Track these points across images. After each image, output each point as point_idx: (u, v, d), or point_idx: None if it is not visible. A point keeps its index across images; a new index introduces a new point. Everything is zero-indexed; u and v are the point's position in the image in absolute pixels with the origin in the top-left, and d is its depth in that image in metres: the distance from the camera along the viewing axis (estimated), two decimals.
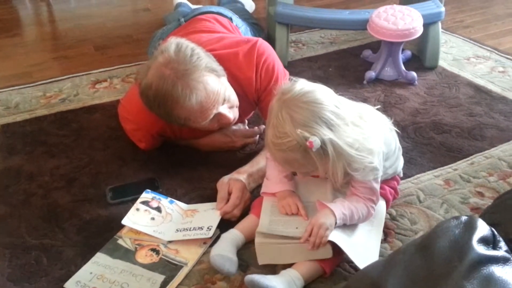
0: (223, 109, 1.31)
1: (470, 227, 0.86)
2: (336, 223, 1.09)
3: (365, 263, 1.02)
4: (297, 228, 1.13)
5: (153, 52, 1.30)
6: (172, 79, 1.22)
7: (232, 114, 1.35)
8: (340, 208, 1.11)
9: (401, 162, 1.31)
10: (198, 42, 1.35)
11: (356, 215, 1.12)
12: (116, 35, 2.50)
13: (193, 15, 1.85)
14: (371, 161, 1.09)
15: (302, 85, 1.07)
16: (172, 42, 1.28)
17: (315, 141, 1.01)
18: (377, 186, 1.15)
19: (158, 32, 1.96)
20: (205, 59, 1.27)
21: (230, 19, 1.84)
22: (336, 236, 1.08)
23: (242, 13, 2.11)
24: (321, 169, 1.07)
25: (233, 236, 1.18)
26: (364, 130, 1.09)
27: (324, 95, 1.06)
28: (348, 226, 1.13)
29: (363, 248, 1.12)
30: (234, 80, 1.39)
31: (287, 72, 1.51)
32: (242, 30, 1.87)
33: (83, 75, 2.09)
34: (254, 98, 1.47)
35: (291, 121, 1.02)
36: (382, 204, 1.23)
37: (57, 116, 1.80)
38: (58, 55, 2.32)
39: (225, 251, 1.13)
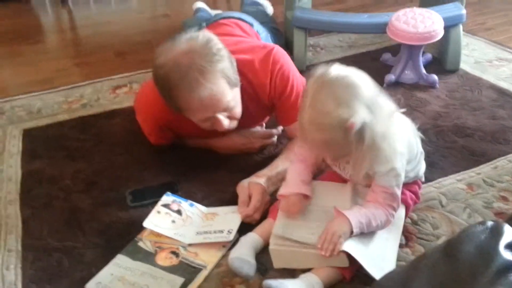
0: (220, 115, 1.30)
1: (496, 232, 0.84)
2: (352, 231, 1.07)
3: (381, 273, 1.00)
4: (312, 234, 1.11)
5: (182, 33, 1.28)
6: (185, 69, 1.21)
7: (227, 122, 1.32)
8: (357, 216, 1.09)
9: (423, 166, 1.29)
10: None
11: (374, 222, 1.10)
12: (136, 41, 2.53)
13: (215, 20, 1.85)
14: (394, 165, 1.08)
15: (340, 68, 1.07)
16: (203, 33, 1.28)
17: (357, 122, 1.00)
18: (398, 192, 1.13)
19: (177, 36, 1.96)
20: (226, 63, 1.26)
21: (251, 25, 1.84)
22: (350, 247, 1.06)
23: (262, 16, 2.11)
24: (354, 154, 1.06)
25: (252, 239, 1.18)
26: (393, 128, 1.08)
27: (364, 79, 1.07)
28: (365, 234, 1.11)
29: (380, 257, 1.10)
30: (249, 85, 1.39)
31: (304, 79, 1.50)
32: (263, 36, 1.87)
33: (103, 80, 2.11)
34: (267, 105, 1.46)
35: (333, 101, 1.01)
36: (401, 210, 1.20)
37: (78, 121, 1.82)
38: (79, 61, 2.36)
39: (243, 254, 1.13)
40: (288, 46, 2.12)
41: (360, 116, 1.01)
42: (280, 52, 1.43)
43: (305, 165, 1.24)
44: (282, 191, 1.21)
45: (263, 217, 1.26)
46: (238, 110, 1.34)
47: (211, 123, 1.32)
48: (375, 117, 1.03)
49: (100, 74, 2.17)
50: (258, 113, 1.50)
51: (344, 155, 1.10)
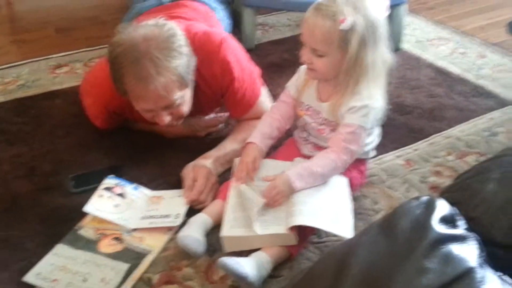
0: (161, 112, 1.27)
1: (430, 207, 0.88)
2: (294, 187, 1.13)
3: (343, 228, 1.09)
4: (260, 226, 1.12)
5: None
6: (139, 55, 1.17)
7: (169, 119, 1.29)
8: (296, 170, 1.15)
9: (375, 142, 1.32)
10: None
11: (318, 168, 1.14)
12: (81, 17, 2.41)
13: None
14: (367, 103, 1.14)
15: None
16: (170, 24, 1.24)
17: (349, 21, 1.06)
18: (361, 134, 1.16)
19: (136, 6, 1.87)
20: (182, 62, 1.22)
21: (214, 10, 1.78)
22: (304, 219, 1.09)
23: None
24: (334, 57, 1.11)
25: (201, 219, 1.19)
26: (382, 80, 1.17)
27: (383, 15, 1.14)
28: (313, 201, 1.13)
29: (335, 216, 1.13)
30: (200, 76, 1.36)
31: (257, 69, 1.47)
32: (224, 23, 1.82)
33: (42, 59, 2.02)
34: (219, 95, 1.44)
35: None
36: (343, 179, 1.23)
37: (15, 103, 1.74)
38: (15, 38, 2.24)
39: (193, 232, 1.14)
40: (237, 25, 2.10)
41: (357, 22, 1.07)
42: (230, 42, 1.40)
43: (273, 119, 1.29)
44: (251, 138, 1.28)
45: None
46: (184, 109, 1.31)
47: (152, 116, 1.29)
48: (372, 41, 1.10)
49: (39, 52, 2.07)
50: (209, 104, 1.48)
51: (326, 53, 1.12)
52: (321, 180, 1.17)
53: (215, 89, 1.41)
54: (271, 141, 1.30)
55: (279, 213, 1.14)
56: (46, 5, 2.56)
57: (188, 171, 1.30)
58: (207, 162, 1.33)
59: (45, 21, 2.38)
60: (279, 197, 1.14)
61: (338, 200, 1.17)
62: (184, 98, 1.28)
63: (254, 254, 1.10)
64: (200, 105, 1.42)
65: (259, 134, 1.28)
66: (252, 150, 1.25)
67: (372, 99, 1.15)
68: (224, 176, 1.35)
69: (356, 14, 1.07)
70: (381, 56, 1.15)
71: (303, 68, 1.26)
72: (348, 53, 1.09)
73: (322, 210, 1.13)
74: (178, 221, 1.20)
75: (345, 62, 1.11)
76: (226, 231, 1.12)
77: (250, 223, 1.12)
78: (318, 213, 1.12)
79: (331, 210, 1.14)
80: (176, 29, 1.25)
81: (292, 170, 1.16)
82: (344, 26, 1.07)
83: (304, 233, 1.14)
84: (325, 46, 1.10)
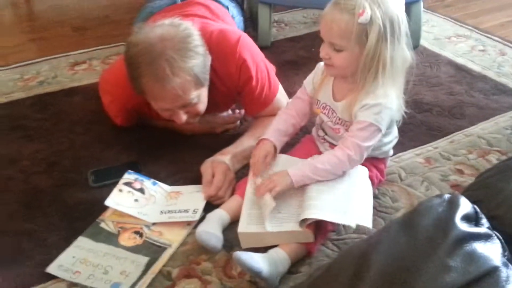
0: (178, 110, 1.28)
1: (453, 204, 0.87)
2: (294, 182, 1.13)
3: (359, 219, 1.08)
4: (276, 221, 1.12)
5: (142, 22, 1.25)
6: (156, 55, 1.18)
7: (185, 117, 1.30)
8: (298, 167, 1.15)
9: (393, 142, 1.31)
10: None
11: (322, 165, 1.13)
12: (94, 16, 2.44)
13: None
14: (381, 101, 1.12)
15: None
16: (186, 25, 1.25)
17: (367, 14, 1.05)
18: (374, 133, 1.14)
19: (149, 5, 1.88)
20: (198, 61, 1.22)
21: (227, 8, 1.79)
22: (314, 212, 1.08)
23: None
24: (353, 52, 1.09)
25: (218, 215, 1.19)
26: (400, 79, 1.16)
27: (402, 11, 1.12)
28: (326, 194, 1.13)
29: (348, 208, 1.11)
30: (215, 74, 1.36)
31: (273, 67, 1.48)
32: (237, 20, 1.83)
33: (61, 57, 2.04)
34: (234, 92, 1.44)
35: None
36: (363, 170, 1.21)
37: (35, 99, 1.76)
38: (34, 36, 2.26)
39: (211, 228, 1.14)
40: (253, 22, 2.10)
41: (376, 15, 1.06)
42: (246, 41, 1.40)
43: (288, 115, 1.29)
44: (264, 135, 1.27)
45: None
46: (200, 108, 1.32)
47: (170, 114, 1.30)
48: (391, 36, 1.09)
49: (57, 50, 2.09)
50: (225, 101, 1.48)
51: (344, 48, 1.10)
52: (327, 176, 1.15)
53: (230, 87, 1.42)
54: (286, 138, 1.30)
55: (293, 210, 1.14)
56: (62, 4, 2.59)
57: (207, 167, 1.30)
58: (225, 158, 1.33)
59: (61, 19, 2.41)
60: (271, 186, 1.13)
61: (354, 191, 1.15)
62: (200, 97, 1.28)
63: (270, 251, 1.10)
64: (215, 102, 1.42)
65: (273, 131, 1.27)
66: (264, 146, 1.25)
67: (387, 98, 1.13)
68: (242, 172, 1.35)
69: (375, 8, 1.06)
70: (401, 54, 1.13)
71: (320, 65, 1.25)
72: (366, 47, 1.08)
73: (335, 203, 1.11)
74: (197, 216, 1.20)
75: (363, 57, 1.09)
76: (242, 227, 1.13)
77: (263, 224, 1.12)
78: (330, 207, 1.10)
79: (344, 202, 1.12)
80: (192, 29, 1.25)
81: (294, 168, 1.15)
82: (363, 19, 1.06)
83: (322, 229, 1.13)
84: (343, 40, 1.09)
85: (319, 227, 1.12)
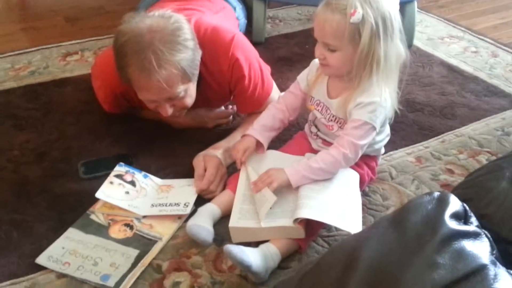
0: (164, 103, 1.26)
1: (442, 202, 0.87)
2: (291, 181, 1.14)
3: (348, 224, 1.08)
4: (267, 218, 1.12)
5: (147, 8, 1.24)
6: (143, 46, 1.16)
7: (171, 111, 1.29)
8: (295, 167, 1.15)
9: (385, 140, 1.32)
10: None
11: (316, 164, 1.14)
12: (88, 7, 2.42)
13: None
14: (376, 99, 1.13)
15: None
16: (177, 17, 1.23)
17: (359, 13, 1.05)
18: (368, 132, 1.15)
19: None
20: (186, 56, 1.20)
21: (234, 8, 1.77)
22: (309, 213, 1.08)
23: None
24: (347, 51, 1.09)
25: (210, 209, 1.19)
26: (394, 76, 1.16)
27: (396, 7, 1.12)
28: (321, 195, 1.13)
29: (341, 211, 1.12)
30: (207, 70, 1.35)
31: (268, 67, 1.47)
32: (241, 23, 1.82)
33: (53, 47, 2.02)
34: (227, 90, 1.44)
35: None
36: (354, 175, 1.22)
37: (26, 89, 1.74)
38: (26, 25, 2.24)
39: (202, 222, 1.14)
40: (249, 17, 2.09)
41: (368, 14, 1.06)
42: (240, 39, 1.39)
43: (277, 110, 1.29)
44: (249, 131, 1.27)
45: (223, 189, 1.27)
46: (187, 102, 1.30)
47: (156, 106, 1.29)
48: (384, 34, 1.08)
49: (50, 40, 2.08)
50: (216, 98, 1.48)
51: (338, 48, 1.11)
52: (323, 175, 1.15)
53: (222, 85, 1.41)
54: (273, 132, 1.30)
55: (287, 206, 1.14)
56: None
57: (199, 161, 1.30)
58: (217, 152, 1.33)
59: (54, 9, 2.39)
60: (269, 180, 1.13)
61: (347, 195, 1.17)
62: (187, 91, 1.27)
63: (261, 245, 1.10)
64: (206, 98, 1.42)
65: (259, 126, 1.27)
66: (245, 141, 1.25)
67: (381, 96, 1.14)
68: (234, 167, 1.35)
69: (366, 7, 1.07)
70: (395, 50, 1.13)
71: (315, 62, 1.25)
72: (359, 46, 1.08)
73: (330, 204, 1.12)
74: (188, 210, 1.20)
75: (357, 55, 1.09)
76: (233, 222, 1.13)
77: (257, 216, 1.12)
78: (325, 207, 1.11)
79: (339, 205, 1.13)
80: (182, 21, 1.23)
81: (291, 168, 1.15)
82: (355, 19, 1.06)
83: (312, 226, 1.14)
84: (336, 40, 1.09)
85: (310, 223, 1.12)
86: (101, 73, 1.44)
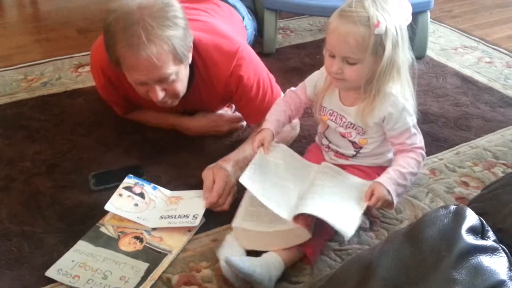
0: (155, 86, 1.23)
1: (459, 216, 0.85)
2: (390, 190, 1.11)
3: (346, 228, 1.05)
4: (271, 223, 1.11)
5: None
6: (132, 22, 1.15)
7: (162, 95, 1.25)
8: (387, 176, 1.12)
9: None
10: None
11: (406, 169, 1.13)
12: (100, 19, 2.41)
13: None
14: (405, 105, 1.14)
15: None
16: None
17: (383, 24, 1.05)
18: (417, 131, 1.18)
19: None
20: (177, 33, 1.18)
21: (243, 18, 1.78)
22: (313, 209, 1.06)
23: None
24: (367, 64, 1.08)
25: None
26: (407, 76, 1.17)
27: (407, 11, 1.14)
28: (329, 196, 1.12)
29: (345, 214, 1.09)
30: (205, 69, 1.35)
31: (272, 77, 1.45)
32: (249, 33, 1.82)
33: (65, 58, 2.04)
34: (222, 95, 1.42)
35: (372, 1, 1.07)
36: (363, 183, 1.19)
37: (38, 100, 1.75)
38: (39, 37, 2.26)
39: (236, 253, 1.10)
40: (259, 28, 2.09)
41: (389, 23, 1.06)
42: (247, 49, 1.39)
43: (287, 108, 1.28)
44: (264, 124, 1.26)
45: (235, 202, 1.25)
46: (179, 88, 1.27)
47: (146, 90, 1.26)
48: (401, 43, 1.09)
49: (62, 51, 2.10)
50: (211, 100, 1.46)
51: (359, 60, 1.09)
52: (411, 177, 1.15)
53: (217, 91, 1.40)
54: (282, 129, 1.30)
55: (289, 210, 1.12)
56: (68, 5, 2.60)
57: (208, 173, 1.28)
58: (227, 165, 1.31)
59: (67, 21, 2.41)
60: (383, 205, 1.13)
61: (351, 201, 1.14)
62: (178, 75, 1.24)
63: (264, 254, 1.09)
64: (200, 97, 1.40)
65: (274, 120, 1.26)
66: (263, 133, 1.23)
67: (405, 99, 1.15)
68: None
69: (387, 17, 1.06)
70: (407, 56, 1.14)
71: (323, 71, 1.23)
72: (383, 57, 1.07)
73: (331, 205, 1.10)
74: (196, 222, 1.19)
75: (379, 66, 1.08)
76: (237, 222, 1.12)
77: (261, 219, 1.11)
78: (323, 206, 1.09)
79: (340, 209, 1.10)
80: (173, 1, 1.22)
81: (381, 177, 1.13)
82: (380, 30, 1.05)
83: (318, 231, 1.11)
84: (359, 53, 1.07)
85: (315, 228, 1.09)
86: (93, 56, 1.42)
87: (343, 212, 1.10)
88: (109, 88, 1.46)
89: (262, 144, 1.21)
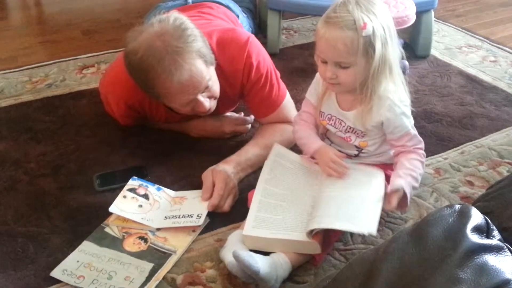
0: (201, 97, 1.27)
1: (464, 215, 0.85)
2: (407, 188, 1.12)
3: (367, 226, 1.05)
4: (286, 231, 1.10)
5: (151, 19, 1.26)
6: (160, 52, 1.17)
7: (209, 103, 1.30)
8: (403, 177, 1.13)
9: None
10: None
11: (415, 172, 1.14)
12: (105, 20, 2.45)
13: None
14: (402, 109, 1.14)
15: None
16: (173, 15, 1.24)
17: (369, 25, 1.04)
18: (416, 132, 1.19)
19: (161, 5, 1.87)
20: (199, 42, 1.23)
21: (237, 16, 1.79)
22: (321, 221, 1.06)
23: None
24: (360, 65, 1.08)
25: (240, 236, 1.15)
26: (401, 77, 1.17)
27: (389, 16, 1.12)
28: (337, 202, 1.11)
29: (355, 214, 1.08)
30: (219, 68, 1.35)
31: (278, 73, 1.46)
32: (246, 29, 1.83)
33: (70, 60, 2.05)
34: (237, 93, 1.44)
35: (355, 4, 1.06)
36: (381, 175, 1.19)
37: (43, 102, 1.76)
38: (44, 39, 2.27)
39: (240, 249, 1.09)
40: (261, 28, 2.10)
41: (375, 23, 1.05)
42: (255, 42, 1.40)
43: (312, 129, 1.28)
44: (307, 150, 1.24)
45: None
46: (216, 88, 1.32)
47: (192, 106, 1.28)
48: (390, 41, 1.09)
49: (66, 53, 2.11)
50: (226, 98, 1.47)
51: (351, 64, 1.08)
52: (420, 178, 1.16)
53: (235, 87, 1.41)
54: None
55: (301, 218, 1.12)
56: (73, 7, 2.61)
57: (208, 175, 1.29)
58: (228, 167, 1.31)
59: (71, 23, 2.42)
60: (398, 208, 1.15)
61: (365, 196, 1.13)
62: (213, 78, 1.29)
63: (272, 254, 1.09)
64: (221, 100, 1.40)
65: (316, 138, 1.25)
66: (325, 149, 1.21)
67: (400, 101, 1.15)
68: (249, 180, 1.34)
69: (372, 18, 1.06)
70: (396, 51, 1.13)
71: (319, 77, 1.23)
72: (374, 56, 1.07)
73: (345, 210, 1.09)
74: (200, 221, 1.19)
75: (371, 67, 1.08)
76: (248, 230, 1.11)
77: (273, 226, 1.11)
78: (337, 213, 1.08)
79: (353, 207, 1.09)
80: (180, 15, 1.25)
81: (399, 180, 1.12)
82: (367, 31, 1.04)
83: (327, 240, 1.11)
84: (350, 57, 1.07)
85: (326, 236, 1.10)
86: (113, 87, 1.43)
87: (361, 212, 1.09)
88: (131, 114, 1.48)
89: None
